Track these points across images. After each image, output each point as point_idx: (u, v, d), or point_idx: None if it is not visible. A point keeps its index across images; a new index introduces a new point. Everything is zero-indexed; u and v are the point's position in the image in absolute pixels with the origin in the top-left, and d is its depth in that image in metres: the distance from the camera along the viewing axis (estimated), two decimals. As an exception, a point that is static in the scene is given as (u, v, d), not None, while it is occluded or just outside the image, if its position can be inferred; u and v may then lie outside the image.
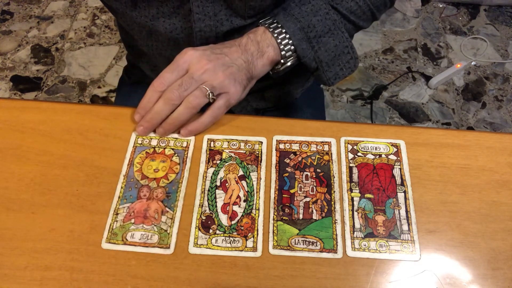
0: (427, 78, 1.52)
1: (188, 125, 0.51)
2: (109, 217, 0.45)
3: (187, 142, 0.51)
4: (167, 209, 0.46)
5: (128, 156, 0.50)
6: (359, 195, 0.48)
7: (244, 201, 0.47)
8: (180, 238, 0.45)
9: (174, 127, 0.51)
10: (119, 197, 0.47)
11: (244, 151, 0.51)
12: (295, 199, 0.47)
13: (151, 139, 0.51)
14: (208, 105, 0.51)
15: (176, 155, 0.50)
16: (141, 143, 0.51)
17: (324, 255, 0.44)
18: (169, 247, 0.44)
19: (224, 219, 0.46)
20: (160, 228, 0.45)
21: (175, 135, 0.52)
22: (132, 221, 0.45)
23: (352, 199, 0.47)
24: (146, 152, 0.50)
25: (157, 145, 0.51)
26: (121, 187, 0.47)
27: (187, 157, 0.50)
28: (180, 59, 0.50)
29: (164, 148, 0.51)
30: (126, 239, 0.44)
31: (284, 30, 0.53)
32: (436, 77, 1.50)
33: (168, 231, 0.45)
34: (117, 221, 0.45)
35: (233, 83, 0.51)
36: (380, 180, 0.49)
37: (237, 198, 0.47)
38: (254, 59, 0.53)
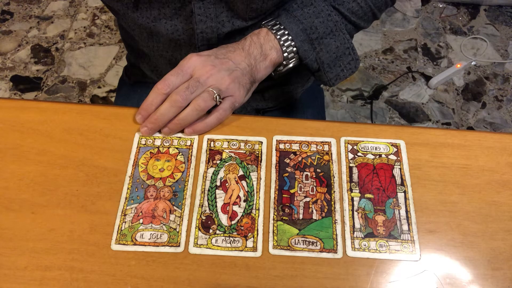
0: (427, 78, 1.52)
1: (193, 125, 0.51)
2: (117, 218, 0.46)
3: (190, 141, 0.51)
4: (175, 207, 0.46)
5: (132, 157, 0.50)
6: (359, 195, 0.48)
7: (244, 201, 0.47)
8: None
9: (180, 128, 0.51)
10: (126, 198, 0.47)
11: (244, 151, 0.51)
12: (295, 199, 0.47)
13: (154, 139, 0.52)
14: (212, 107, 0.51)
15: (180, 154, 0.50)
16: (145, 144, 0.51)
17: (324, 255, 0.44)
18: (179, 245, 0.44)
19: (224, 219, 0.46)
20: (169, 227, 0.45)
21: (179, 134, 0.52)
22: (141, 221, 0.46)
23: (352, 199, 0.47)
24: (151, 152, 0.50)
25: (161, 144, 0.51)
26: (128, 188, 0.48)
27: (191, 155, 0.50)
28: (185, 64, 0.50)
29: (168, 148, 0.51)
30: (136, 240, 0.44)
31: (286, 32, 0.53)
32: (436, 77, 1.50)
33: (177, 230, 0.45)
34: (125, 222, 0.45)
35: (237, 87, 0.51)
36: (380, 180, 0.49)
37: (237, 198, 0.47)
38: (257, 63, 0.53)
